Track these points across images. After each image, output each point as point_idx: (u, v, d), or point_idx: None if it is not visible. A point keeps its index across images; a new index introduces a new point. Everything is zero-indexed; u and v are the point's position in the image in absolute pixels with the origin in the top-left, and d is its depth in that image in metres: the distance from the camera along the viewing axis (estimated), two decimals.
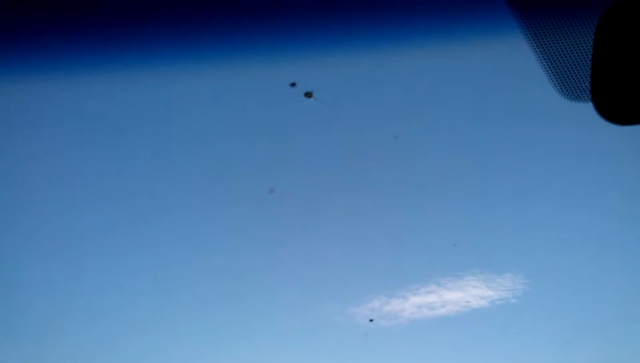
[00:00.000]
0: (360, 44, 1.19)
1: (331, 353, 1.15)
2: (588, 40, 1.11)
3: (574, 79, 1.13)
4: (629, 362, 1.18)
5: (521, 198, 1.21)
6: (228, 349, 1.15)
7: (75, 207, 1.13)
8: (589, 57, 1.11)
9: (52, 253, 1.12)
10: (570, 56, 1.13)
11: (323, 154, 1.20)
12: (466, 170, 1.20)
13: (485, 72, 1.19)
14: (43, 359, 1.11)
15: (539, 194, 1.20)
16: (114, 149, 1.15)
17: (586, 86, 1.11)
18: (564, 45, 1.13)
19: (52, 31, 1.11)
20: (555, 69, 1.13)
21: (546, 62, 1.13)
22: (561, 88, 1.14)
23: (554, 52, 1.13)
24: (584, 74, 1.12)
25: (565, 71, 1.13)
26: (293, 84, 1.20)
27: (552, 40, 1.12)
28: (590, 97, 1.09)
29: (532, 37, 1.12)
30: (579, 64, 1.13)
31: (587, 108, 1.10)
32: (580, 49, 1.12)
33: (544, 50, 1.12)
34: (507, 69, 1.19)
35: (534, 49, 1.13)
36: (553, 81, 1.14)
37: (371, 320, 1.17)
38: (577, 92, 1.13)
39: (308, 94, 1.19)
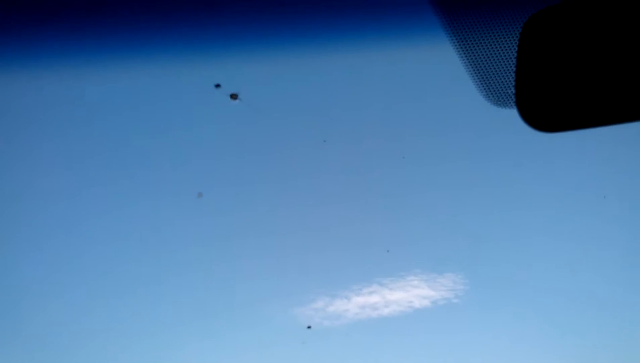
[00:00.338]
0: (285, 45, 1.16)
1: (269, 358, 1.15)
2: (513, 46, 1.11)
3: (498, 85, 1.13)
4: (570, 350, 1.22)
5: (449, 201, 1.22)
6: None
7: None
8: (513, 64, 1.11)
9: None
10: (495, 62, 1.13)
11: (250, 156, 1.18)
12: (392, 173, 1.21)
13: (410, 76, 1.19)
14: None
15: (465, 196, 1.22)
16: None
17: (511, 92, 1.11)
18: (489, 50, 1.12)
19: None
20: (480, 75, 1.13)
21: (471, 67, 1.12)
22: (486, 94, 1.14)
23: (479, 58, 1.13)
24: (509, 81, 1.12)
25: (490, 77, 1.13)
26: (218, 85, 1.16)
27: (478, 46, 1.12)
28: (514, 103, 1.09)
29: (458, 41, 1.12)
30: (503, 70, 1.13)
31: (513, 114, 1.10)
32: (505, 55, 1.12)
33: (470, 55, 1.12)
34: (433, 73, 1.18)
35: (460, 53, 1.12)
36: (478, 87, 1.13)
37: (309, 327, 1.16)
38: (502, 98, 1.14)
39: (233, 96, 1.16)
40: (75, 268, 1.10)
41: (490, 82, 1.14)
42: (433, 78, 1.18)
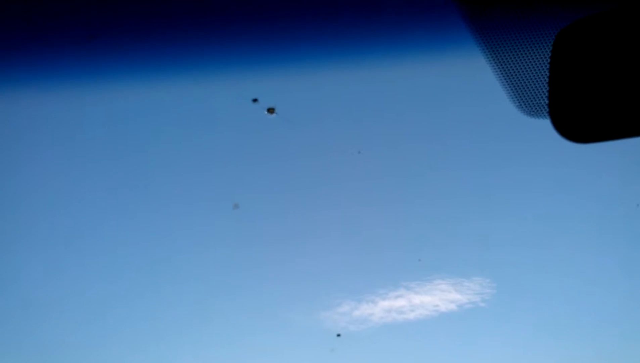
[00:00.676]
0: (322, 61, 1.19)
1: None
2: (545, 57, 1.11)
3: (531, 95, 1.14)
4: (597, 360, 1.24)
5: (482, 209, 1.24)
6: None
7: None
8: (546, 75, 1.11)
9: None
10: (527, 73, 1.13)
11: (286, 169, 1.22)
12: (424, 183, 1.23)
13: (445, 88, 1.20)
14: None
15: (499, 205, 1.24)
16: (76, 157, 1.15)
17: (544, 102, 1.12)
18: (522, 61, 1.13)
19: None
20: (513, 85, 1.13)
21: (504, 78, 1.13)
22: (519, 104, 1.15)
23: (512, 69, 1.13)
24: (542, 91, 1.13)
25: (523, 88, 1.14)
26: (255, 100, 1.20)
27: (510, 57, 1.13)
28: (547, 114, 1.10)
29: (490, 53, 1.12)
30: (536, 81, 1.13)
31: (546, 124, 1.11)
32: (537, 67, 1.12)
33: (502, 67, 1.13)
34: (466, 86, 1.20)
35: (492, 65, 1.13)
36: (511, 97, 1.14)
37: (339, 335, 1.21)
38: (535, 108, 1.14)
39: (270, 110, 1.20)
40: (128, 284, 1.16)
41: (523, 93, 1.15)
42: (466, 90, 1.19)
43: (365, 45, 1.12)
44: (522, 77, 1.14)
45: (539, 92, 1.14)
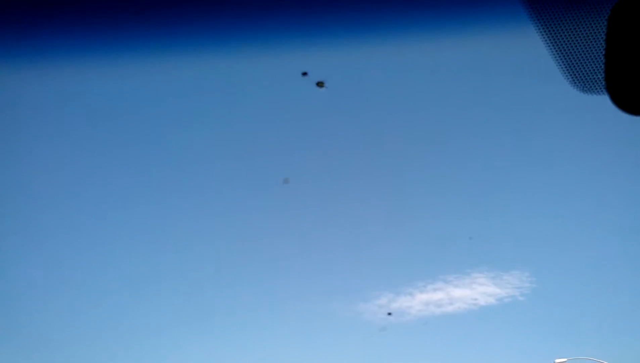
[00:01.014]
0: (372, 35, 1.18)
1: (347, 347, 1.19)
2: (600, 32, 1.06)
3: (587, 71, 1.09)
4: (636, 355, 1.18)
5: (533, 197, 1.19)
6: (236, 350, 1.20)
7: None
8: (602, 50, 1.07)
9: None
10: (583, 49, 1.09)
11: (336, 144, 1.22)
12: (480, 165, 1.20)
13: (497, 65, 1.17)
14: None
15: (552, 193, 1.18)
16: (120, 137, 1.19)
17: (600, 78, 1.08)
18: (577, 38, 1.09)
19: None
20: (568, 62, 1.09)
21: (559, 55, 1.09)
22: (575, 81, 1.10)
23: (567, 45, 1.09)
24: (598, 66, 1.08)
25: (578, 64, 1.09)
26: (305, 74, 1.21)
27: (564, 33, 1.09)
28: (604, 89, 1.06)
29: (544, 30, 1.09)
30: (592, 56, 1.09)
31: (603, 100, 1.06)
32: (592, 42, 1.08)
33: (557, 43, 1.09)
34: (518, 62, 1.16)
35: (546, 42, 1.09)
36: (566, 74, 1.10)
37: (390, 314, 1.20)
38: (591, 84, 1.10)
39: (320, 84, 1.21)
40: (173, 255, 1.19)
41: (578, 69, 1.10)
42: (521, 67, 1.15)
43: (418, 21, 1.10)
44: (577, 53, 1.09)
45: (595, 67, 1.09)
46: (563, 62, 1.12)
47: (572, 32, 1.11)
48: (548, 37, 1.11)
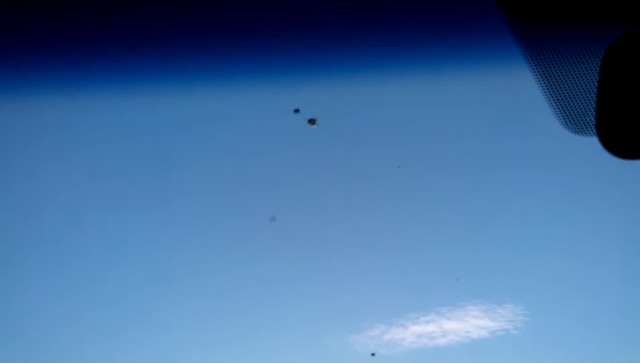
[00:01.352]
0: (365, 72, 1.18)
1: None
2: (593, 73, 1.06)
3: (578, 112, 1.09)
4: None
5: (523, 232, 1.18)
6: None
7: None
8: (594, 91, 1.07)
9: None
10: (575, 90, 1.09)
11: (325, 182, 1.21)
12: (470, 202, 1.19)
13: (489, 104, 1.16)
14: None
15: (542, 227, 1.18)
16: (113, 169, 1.18)
17: (591, 119, 1.08)
18: (569, 79, 1.09)
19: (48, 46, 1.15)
20: (560, 103, 1.09)
21: (551, 95, 1.09)
22: (566, 122, 1.10)
23: (559, 86, 1.09)
24: (589, 108, 1.08)
25: (570, 104, 1.09)
26: (297, 110, 1.20)
27: (557, 74, 1.09)
28: (595, 131, 1.06)
29: (537, 69, 1.09)
30: (584, 98, 1.09)
31: (593, 142, 1.06)
32: (585, 83, 1.08)
33: (549, 82, 1.09)
34: (511, 101, 1.15)
35: (539, 81, 1.09)
36: (558, 115, 1.10)
37: (373, 355, 1.18)
38: (582, 126, 1.10)
39: (312, 121, 1.20)
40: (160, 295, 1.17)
41: (570, 110, 1.10)
42: (511, 106, 1.15)
43: (409, 57, 1.10)
44: (569, 93, 1.09)
45: (586, 109, 1.09)
46: (555, 102, 1.12)
47: (564, 73, 1.11)
48: (541, 77, 1.11)
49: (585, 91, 1.09)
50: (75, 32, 1.12)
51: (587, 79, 1.08)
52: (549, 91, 1.10)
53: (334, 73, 1.18)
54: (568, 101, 1.10)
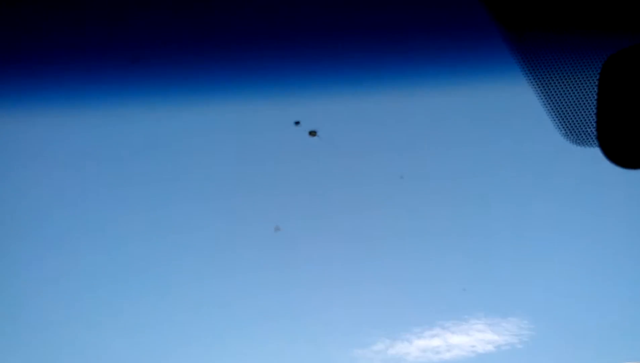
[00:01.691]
0: (365, 83, 1.18)
1: None
2: (593, 84, 1.07)
3: (579, 122, 1.09)
4: None
5: (529, 242, 1.18)
6: None
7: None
8: (594, 102, 1.07)
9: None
10: (575, 100, 1.09)
11: (327, 193, 1.21)
12: (472, 213, 1.19)
13: (488, 115, 1.16)
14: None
15: (546, 239, 1.17)
16: (115, 187, 1.18)
17: (592, 130, 1.08)
18: (569, 89, 1.09)
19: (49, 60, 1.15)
20: (560, 114, 1.09)
21: (551, 106, 1.09)
22: (566, 132, 1.10)
23: (559, 97, 1.09)
24: (590, 118, 1.08)
25: (570, 116, 1.09)
26: (297, 123, 1.20)
27: (557, 84, 1.09)
28: (596, 141, 1.06)
29: (536, 80, 1.09)
30: (584, 109, 1.09)
31: (594, 153, 1.06)
32: (585, 93, 1.08)
33: (549, 94, 1.09)
34: (510, 113, 1.15)
35: (538, 92, 1.09)
36: (558, 125, 1.10)
37: None
38: (583, 136, 1.09)
39: (312, 133, 1.20)
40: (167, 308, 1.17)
41: (570, 121, 1.10)
42: (511, 118, 1.15)
43: (408, 69, 1.10)
44: (569, 105, 1.09)
45: (586, 120, 1.09)
46: (555, 113, 1.12)
47: (564, 83, 1.11)
48: (540, 88, 1.11)
49: (585, 102, 1.09)
50: (79, 36, 1.12)
51: (587, 90, 1.08)
52: (549, 102, 1.10)
53: (334, 85, 1.18)
54: (568, 112, 1.09)
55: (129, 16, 1.13)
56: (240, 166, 1.19)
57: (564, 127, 1.12)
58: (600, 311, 1.14)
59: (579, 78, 1.09)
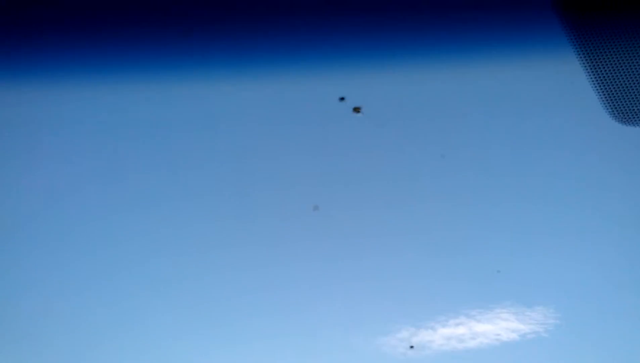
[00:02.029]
0: (411, 60, 1.17)
1: None
2: None
3: (626, 102, 1.03)
4: None
5: (563, 232, 1.11)
6: None
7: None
8: None
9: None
10: (624, 79, 1.03)
11: (370, 170, 1.19)
12: (514, 192, 1.13)
13: (536, 91, 1.11)
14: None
15: (583, 229, 1.09)
16: (146, 157, 1.21)
17: (638, 109, 1.01)
18: (618, 67, 1.03)
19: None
20: (608, 92, 1.03)
21: (599, 84, 1.04)
22: (613, 111, 1.04)
23: (607, 75, 1.03)
24: (637, 98, 1.02)
25: (618, 95, 1.03)
26: (342, 99, 1.20)
27: (606, 62, 1.03)
28: None
29: (585, 58, 1.04)
30: (633, 87, 1.02)
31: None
32: (634, 73, 1.02)
33: (597, 72, 1.04)
34: (558, 90, 1.10)
35: (587, 70, 1.04)
36: (605, 105, 1.04)
37: (412, 347, 1.14)
38: (630, 116, 1.03)
39: (356, 109, 1.19)
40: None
41: (617, 100, 1.04)
42: (558, 94, 1.09)
43: (456, 44, 1.08)
44: (618, 83, 1.03)
45: (634, 99, 1.03)
46: (602, 92, 1.06)
47: (614, 61, 1.05)
48: (589, 65, 1.06)
49: (634, 81, 1.02)
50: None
51: (636, 70, 1.02)
52: (597, 80, 1.04)
53: (379, 60, 1.17)
54: (616, 91, 1.03)
55: None
56: (283, 143, 1.20)
57: (610, 106, 1.06)
58: (630, 304, 1.05)
59: (629, 56, 1.03)
